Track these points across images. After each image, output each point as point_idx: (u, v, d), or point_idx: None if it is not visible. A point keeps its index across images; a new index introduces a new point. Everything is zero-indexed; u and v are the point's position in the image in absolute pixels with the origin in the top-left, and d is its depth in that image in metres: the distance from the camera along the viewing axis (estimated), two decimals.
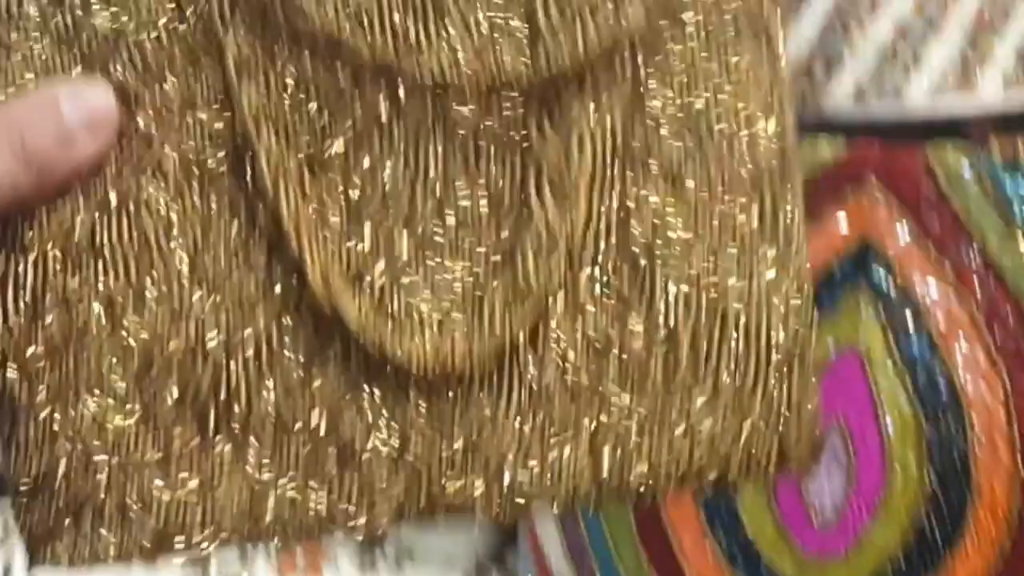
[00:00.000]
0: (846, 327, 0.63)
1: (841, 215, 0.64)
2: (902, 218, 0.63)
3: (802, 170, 0.64)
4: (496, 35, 0.52)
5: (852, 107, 0.65)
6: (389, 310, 0.52)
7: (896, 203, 0.63)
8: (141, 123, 0.51)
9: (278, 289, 0.52)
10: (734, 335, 0.53)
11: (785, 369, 0.53)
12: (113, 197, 0.51)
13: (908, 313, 0.63)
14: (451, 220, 0.52)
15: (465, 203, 0.52)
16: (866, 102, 0.65)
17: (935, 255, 0.63)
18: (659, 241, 0.52)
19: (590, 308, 0.52)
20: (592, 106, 0.52)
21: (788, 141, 0.53)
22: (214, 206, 0.52)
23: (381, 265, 0.52)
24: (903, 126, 0.66)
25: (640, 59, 0.52)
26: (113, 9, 0.51)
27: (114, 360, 0.51)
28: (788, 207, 0.53)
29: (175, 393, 0.51)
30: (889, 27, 0.64)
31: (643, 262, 0.52)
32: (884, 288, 0.63)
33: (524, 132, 0.52)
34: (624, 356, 0.52)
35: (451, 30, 0.51)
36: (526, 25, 0.52)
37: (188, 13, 0.51)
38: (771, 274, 0.53)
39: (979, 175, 0.63)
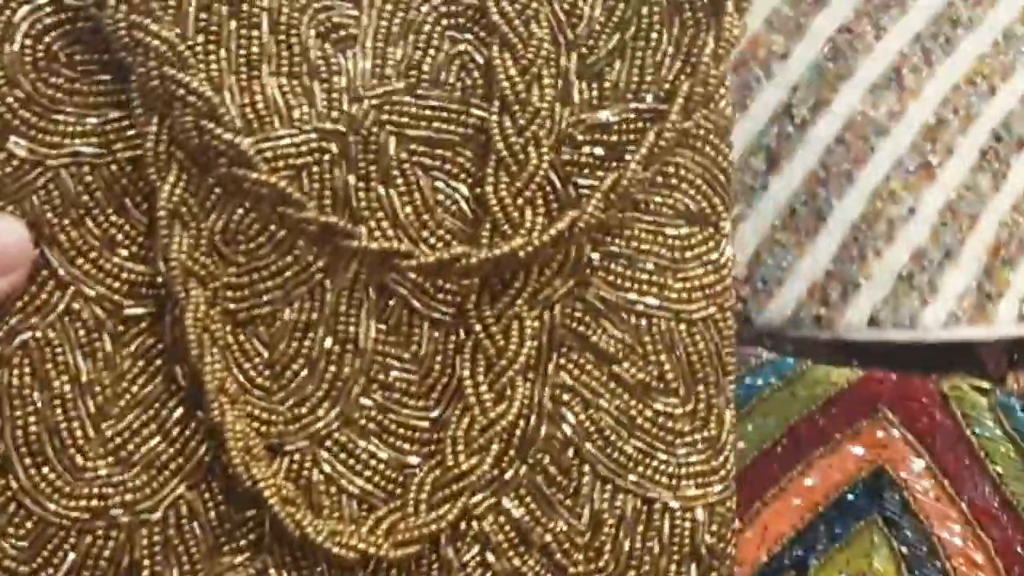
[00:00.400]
0: (858, 556, 0.62)
1: (855, 444, 0.63)
2: (916, 449, 0.62)
3: (815, 396, 0.64)
4: (440, 209, 0.50)
5: (866, 331, 0.64)
6: (309, 488, 0.49)
7: (911, 434, 0.63)
8: (55, 262, 0.47)
9: (191, 455, 0.48)
10: (659, 525, 0.52)
11: (708, 563, 0.52)
12: (17, 340, 0.47)
13: (922, 546, 0.62)
14: (379, 397, 0.49)
15: (394, 379, 0.50)
16: (881, 327, 0.64)
17: (950, 488, 0.62)
18: (590, 430, 0.51)
19: (516, 497, 0.50)
20: (534, 291, 0.50)
21: (725, 334, 0.52)
22: (128, 359, 0.48)
23: (303, 439, 0.49)
24: (918, 347, 0.65)
25: (587, 249, 0.51)
26: (33, 135, 0.47)
27: (6, 521, 0.47)
28: (720, 400, 0.52)
29: (72, 563, 0.47)
30: (905, 254, 0.64)
31: (572, 450, 0.51)
32: (897, 519, 0.62)
33: (461, 311, 0.50)
34: (548, 541, 0.51)
35: (395, 200, 0.49)
36: (472, 199, 0.49)
37: (117, 149, 0.47)
38: (700, 466, 0.52)
39: (995, 409, 0.63)
